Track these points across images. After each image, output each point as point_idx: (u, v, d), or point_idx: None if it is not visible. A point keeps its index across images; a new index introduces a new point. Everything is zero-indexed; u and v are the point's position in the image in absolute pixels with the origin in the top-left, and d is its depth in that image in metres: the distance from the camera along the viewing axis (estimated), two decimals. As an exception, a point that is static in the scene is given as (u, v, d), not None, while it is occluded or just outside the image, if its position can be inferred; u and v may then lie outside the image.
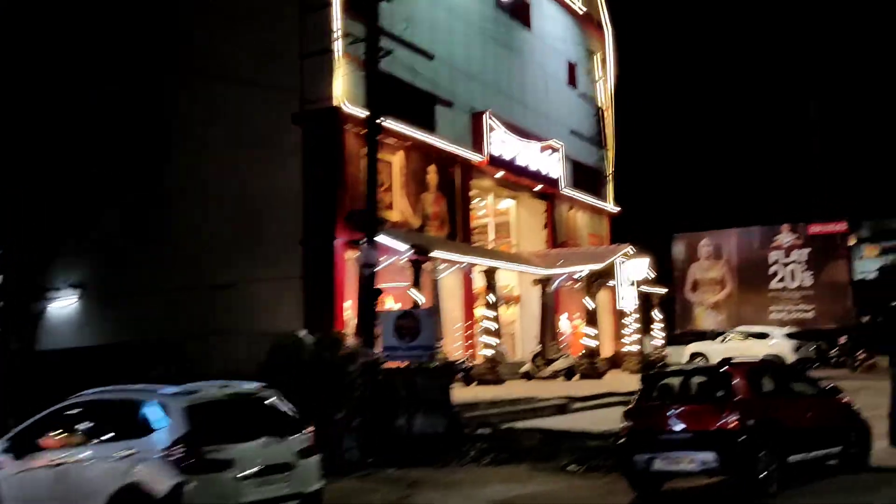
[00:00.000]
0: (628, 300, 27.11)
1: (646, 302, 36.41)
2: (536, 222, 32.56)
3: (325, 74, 21.47)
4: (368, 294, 15.27)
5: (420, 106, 25.08)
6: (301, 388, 11.88)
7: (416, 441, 13.75)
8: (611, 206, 37.73)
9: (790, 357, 26.86)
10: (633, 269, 27.36)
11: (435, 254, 21.27)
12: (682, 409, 10.15)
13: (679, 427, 9.94)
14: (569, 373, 25.56)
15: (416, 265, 20.48)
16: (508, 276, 30.04)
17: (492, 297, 23.54)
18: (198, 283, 21.39)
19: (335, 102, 21.27)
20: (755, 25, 70.91)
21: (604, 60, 38.86)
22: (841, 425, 11.20)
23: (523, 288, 30.99)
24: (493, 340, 23.34)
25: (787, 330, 28.12)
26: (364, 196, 21.98)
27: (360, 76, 21.92)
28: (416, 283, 20.52)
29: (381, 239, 20.44)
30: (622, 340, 31.55)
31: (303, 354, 14.28)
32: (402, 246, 20.64)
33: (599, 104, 38.28)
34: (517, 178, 29.61)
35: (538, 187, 31.10)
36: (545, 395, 19.09)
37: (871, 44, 65.12)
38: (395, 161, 23.92)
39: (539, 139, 30.78)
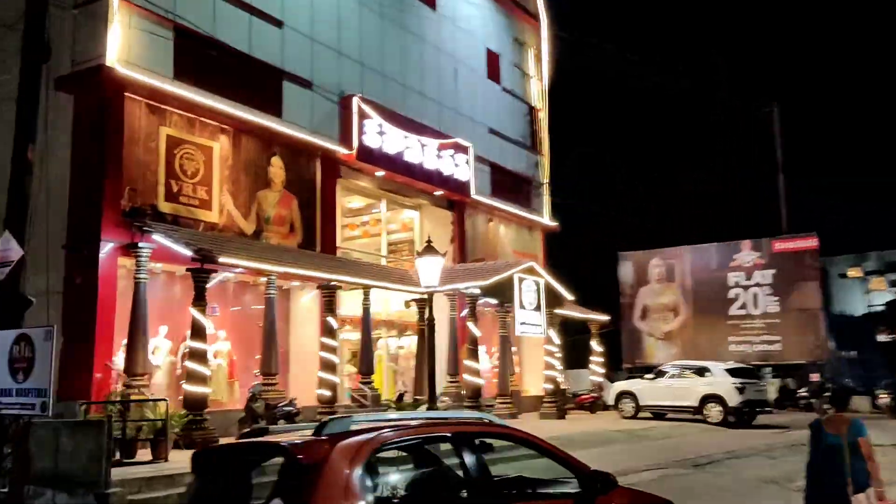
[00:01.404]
0: (530, 326, 21.89)
1: (582, 331, 31.27)
2: (445, 235, 27.41)
3: (98, 26, 16.56)
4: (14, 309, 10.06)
5: (259, 82, 20.16)
6: None
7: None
8: (546, 220, 32.55)
9: (734, 399, 21.57)
10: (533, 289, 22.19)
11: (227, 260, 16.10)
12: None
13: None
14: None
15: (198, 274, 15.30)
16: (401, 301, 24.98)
17: (332, 322, 18.31)
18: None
19: (107, 62, 16.30)
20: (716, 25, 65.93)
21: (538, 56, 34.01)
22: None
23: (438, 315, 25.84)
24: (329, 376, 18.06)
25: (727, 365, 22.87)
26: (156, 187, 17.11)
27: (152, 32, 17.07)
28: (198, 299, 15.31)
29: (159, 239, 15.46)
30: (550, 376, 26.22)
31: None
32: (183, 250, 15.51)
33: (532, 103, 33.32)
34: (407, 180, 24.53)
35: (438, 192, 26.05)
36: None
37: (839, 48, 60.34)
38: (217, 147, 18.88)
39: (441, 136, 25.81)
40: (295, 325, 20.84)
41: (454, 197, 26.74)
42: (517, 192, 31.10)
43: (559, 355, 26.04)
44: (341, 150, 21.94)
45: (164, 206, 17.43)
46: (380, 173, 23.51)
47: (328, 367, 18.21)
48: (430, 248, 13.80)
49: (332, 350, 18.36)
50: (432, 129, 25.63)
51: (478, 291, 21.27)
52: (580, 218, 35.54)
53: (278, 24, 20.87)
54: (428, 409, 17.34)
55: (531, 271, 22.27)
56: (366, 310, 20.39)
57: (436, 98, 26.90)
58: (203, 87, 18.38)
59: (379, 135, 22.90)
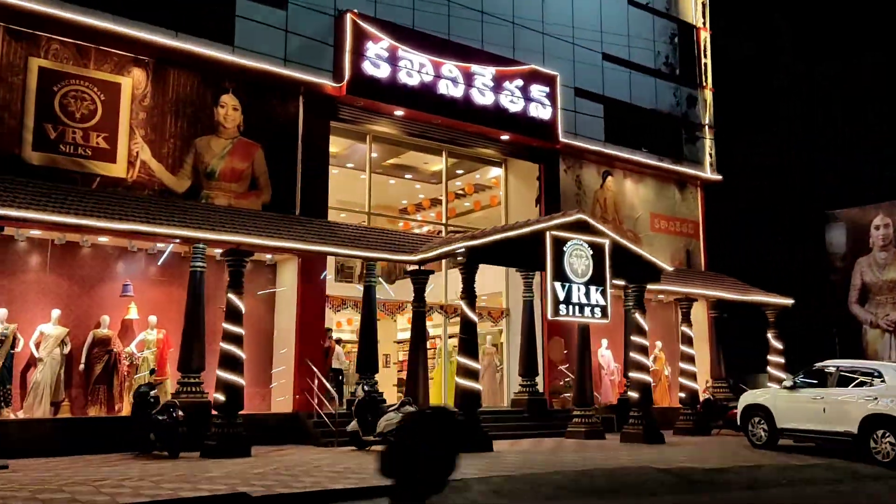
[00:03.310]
0: (577, 307, 15.10)
1: (758, 321, 23.00)
2: (533, 195, 21.19)
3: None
4: None
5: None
6: None
7: None
8: (706, 172, 24.59)
9: None
10: (586, 254, 15.29)
11: (23, 215, 11.99)
12: None
13: None
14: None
15: None
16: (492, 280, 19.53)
17: (237, 303, 13.38)
18: None
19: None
20: None
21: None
22: None
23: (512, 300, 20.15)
24: (232, 377, 13.12)
25: None
26: (19, 133, 13.69)
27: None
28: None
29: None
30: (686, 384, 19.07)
31: None
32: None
33: (687, 19, 25.47)
34: (448, 121, 18.84)
35: (504, 136, 19.98)
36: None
37: None
38: (126, 83, 15.01)
39: (505, 62, 19.75)
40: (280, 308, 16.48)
41: (533, 143, 20.45)
42: (658, 137, 23.69)
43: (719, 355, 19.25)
44: (325, 83, 17.02)
45: (33, 156, 13.92)
46: (399, 112, 18.19)
47: (230, 364, 13.32)
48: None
49: (238, 342, 13.42)
50: (491, 54, 19.64)
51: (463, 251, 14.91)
52: (759, 172, 26.84)
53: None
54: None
55: (579, 226, 15.47)
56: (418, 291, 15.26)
57: (505, 16, 20.76)
58: (102, 7, 14.65)
59: (388, 61, 17.62)
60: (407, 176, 21.82)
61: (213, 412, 13.20)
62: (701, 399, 19.83)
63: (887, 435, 13.29)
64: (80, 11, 14.40)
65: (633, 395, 16.77)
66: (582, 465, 12.19)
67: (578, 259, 15.38)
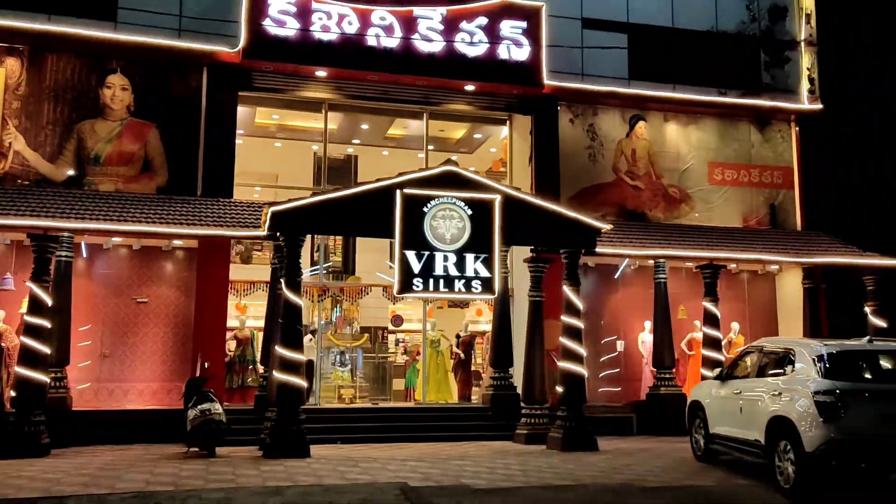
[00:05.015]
0: (431, 279, 11.92)
1: (855, 289, 17.57)
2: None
3: None
4: None
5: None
6: None
7: None
8: (802, 102, 19.02)
9: (812, 433, 8.24)
10: (456, 215, 12.05)
11: None
12: None
13: None
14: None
15: None
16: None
17: (39, 294, 12.29)
18: None
19: None
20: None
21: None
22: None
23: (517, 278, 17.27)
24: (33, 373, 12.07)
25: (825, 344, 8.86)
26: None
27: None
28: None
29: None
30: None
31: None
32: None
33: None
34: (388, 77, 16.36)
35: (469, 87, 16.96)
36: None
37: None
38: (0, 74, 14.84)
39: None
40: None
41: (513, 90, 17.17)
42: (721, 65, 18.78)
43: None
44: (218, 49, 15.52)
45: None
46: (321, 73, 16.14)
47: (29, 359, 12.35)
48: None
49: (40, 334, 12.42)
50: (448, -9, 16.74)
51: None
52: (877, 102, 20.18)
53: None
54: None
55: (449, 180, 12.24)
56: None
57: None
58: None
59: (297, 17, 15.69)
60: (355, 141, 19.46)
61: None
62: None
63: (789, 449, 8.76)
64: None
65: (560, 389, 13.16)
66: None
67: (447, 221, 12.35)
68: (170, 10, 15.57)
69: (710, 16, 18.81)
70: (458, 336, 18.19)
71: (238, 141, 16.02)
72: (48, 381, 12.47)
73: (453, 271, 12.27)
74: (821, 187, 18.98)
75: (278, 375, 11.86)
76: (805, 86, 19.14)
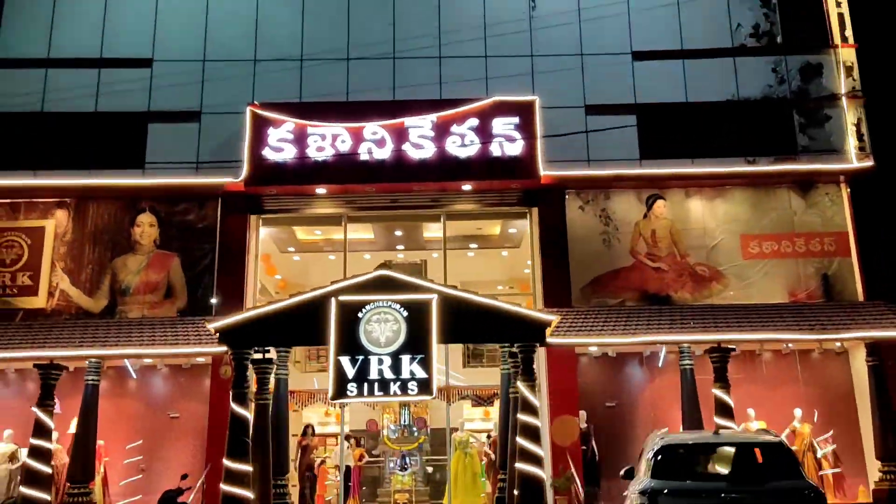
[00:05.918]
0: (366, 384, 11.91)
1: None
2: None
3: None
4: None
5: (114, 134, 17.70)
6: None
7: None
8: (850, 161, 17.35)
9: None
10: (391, 317, 12.07)
11: None
12: None
13: None
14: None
15: None
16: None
17: (42, 418, 13.69)
18: None
19: None
20: None
21: None
22: None
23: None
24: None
25: None
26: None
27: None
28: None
29: None
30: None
31: None
32: None
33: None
34: (387, 185, 17.09)
35: (466, 186, 17.22)
36: None
37: None
38: (50, 225, 17.26)
39: (450, 104, 17.25)
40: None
41: (512, 185, 17.23)
42: (747, 131, 17.74)
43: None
44: (227, 181, 17.06)
45: (-32, 303, 16.82)
46: (321, 190, 17.18)
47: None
48: None
49: None
50: (433, 101, 17.34)
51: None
52: None
53: (145, 63, 18.09)
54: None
55: (384, 285, 12.45)
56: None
57: (491, 48, 18.18)
58: (32, 167, 17.32)
59: (294, 143, 16.98)
60: (399, 246, 19.92)
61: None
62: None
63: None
64: (9, 175, 17.17)
65: (516, 493, 12.57)
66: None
67: (381, 325, 12.58)
68: (189, 151, 17.41)
69: (726, 87, 17.90)
70: (488, 436, 17.86)
71: (277, 258, 17.61)
72: (49, 499, 13.83)
73: (388, 374, 12.39)
74: (881, 251, 16.99)
75: (226, 489, 12.40)
76: (852, 143, 17.50)
